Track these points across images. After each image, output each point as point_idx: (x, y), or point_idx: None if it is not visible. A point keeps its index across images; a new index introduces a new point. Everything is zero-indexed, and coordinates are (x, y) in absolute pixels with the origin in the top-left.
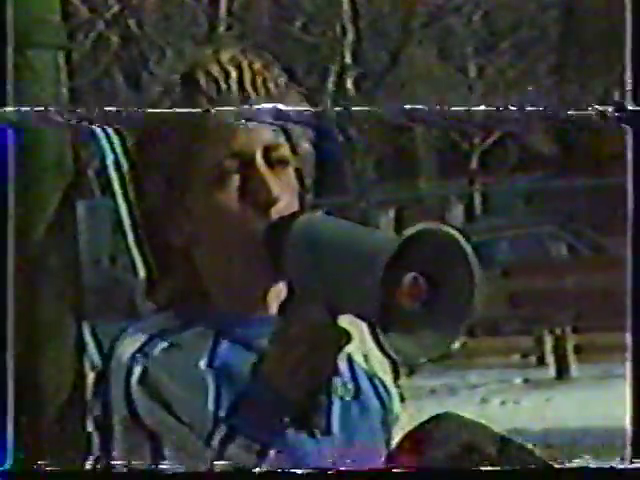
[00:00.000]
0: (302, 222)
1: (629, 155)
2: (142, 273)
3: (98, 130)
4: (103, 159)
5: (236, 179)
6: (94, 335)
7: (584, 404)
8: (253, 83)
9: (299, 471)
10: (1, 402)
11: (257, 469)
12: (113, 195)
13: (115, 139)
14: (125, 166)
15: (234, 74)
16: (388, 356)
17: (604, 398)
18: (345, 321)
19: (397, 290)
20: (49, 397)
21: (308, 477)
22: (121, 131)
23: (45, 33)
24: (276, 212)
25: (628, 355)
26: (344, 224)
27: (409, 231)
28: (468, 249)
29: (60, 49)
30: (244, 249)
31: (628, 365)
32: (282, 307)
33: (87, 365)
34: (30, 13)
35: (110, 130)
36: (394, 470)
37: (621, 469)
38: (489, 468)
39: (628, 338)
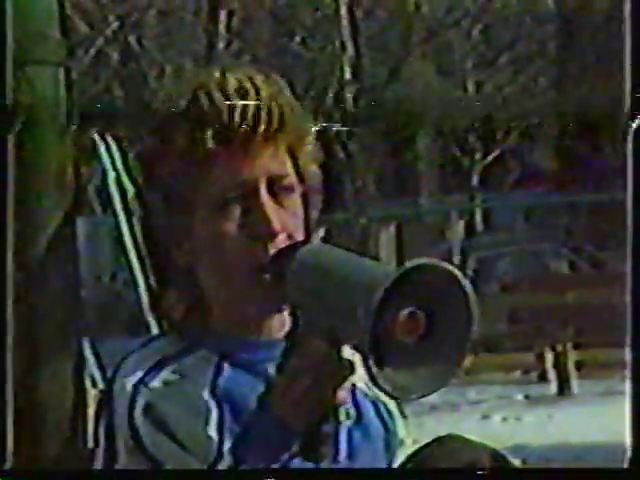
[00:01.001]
0: (304, 252)
1: (629, 169)
2: (143, 289)
3: (101, 147)
4: (104, 176)
5: (238, 209)
6: (94, 351)
7: (586, 420)
8: (259, 115)
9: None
10: (1, 402)
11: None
12: (114, 212)
13: (117, 156)
14: (127, 183)
15: (239, 104)
16: (381, 389)
17: (606, 414)
18: (349, 350)
19: (394, 324)
20: (49, 411)
21: (313, 476)
22: (123, 148)
23: (45, 50)
24: (274, 246)
25: (627, 372)
26: (345, 254)
27: (407, 265)
28: (467, 285)
29: (60, 66)
30: (244, 277)
31: (627, 382)
32: (287, 337)
33: (87, 380)
34: (30, 29)
35: (113, 147)
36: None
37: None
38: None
39: (627, 354)
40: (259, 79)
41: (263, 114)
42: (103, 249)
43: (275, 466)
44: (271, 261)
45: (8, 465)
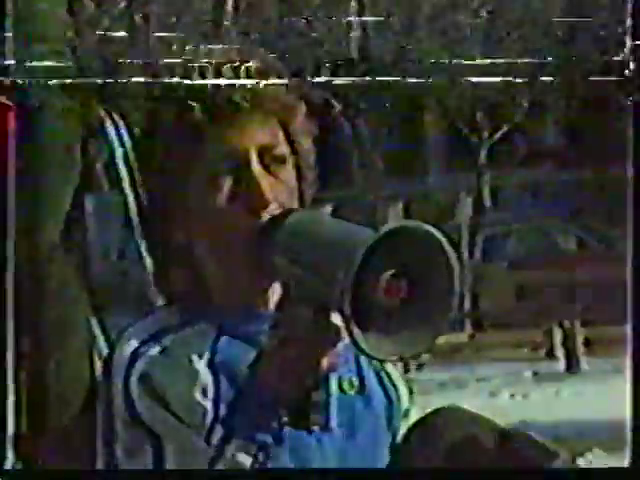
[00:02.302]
0: (291, 221)
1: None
2: (149, 265)
3: (107, 124)
4: (112, 153)
5: (229, 180)
6: (103, 328)
7: (594, 397)
8: (247, 87)
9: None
10: (1, 402)
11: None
12: (122, 189)
13: (124, 133)
14: (133, 160)
15: (228, 75)
16: (361, 350)
17: (614, 391)
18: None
19: (375, 286)
20: (61, 387)
21: (308, 475)
22: (130, 125)
23: (52, 28)
24: (267, 215)
25: (628, 348)
26: (331, 221)
27: (387, 227)
28: (448, 247)
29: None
30: (239, 248)
31: (628, 358)
32: (278, 305)
33: (96, 356)
34: (37, 8)
35: (120, 124)
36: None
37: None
38: (489, 466)
39: (628, 330)
40: (249, 54)
41: (251, 85)
42: (111, 226)
43: (267, 439)
44: (263, 230)
45: (8, 465)
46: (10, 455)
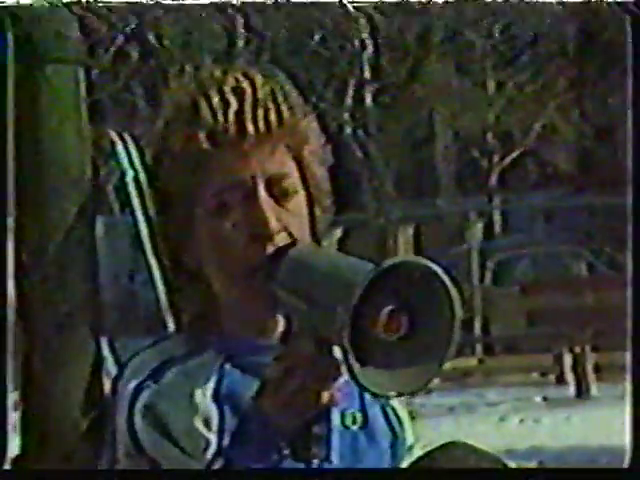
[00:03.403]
0: (294, 253)
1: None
2: (161, 289)
3: (119, 146)
4: (122, 175)
5: (235, 209)
6: (112, 349)
7: (604, 423)
8: (254, 114)
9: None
10: (1, 402)
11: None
12: (132, 211)
13: (135, 155)
14: (144, 182)
15: (234, 104)
16: (360, 386)
17: (623, 417)
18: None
19: (375, 321)
20: (68, 409)
21: (309, 476)
22: (141, 147)
23: (65, 49)
24: (273, 246)
25: (627, 375)
26: (333, 255)
27: (387, 263)
28: (449, 283)
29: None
30: (243, 278)
31: (628, 385)
32: (282, 337)
33: (105, 379)
34: (49, 29)
35: (131, 146)
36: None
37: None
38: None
39: (627, 357)
40: (259, 78)
41: (258, 113)
42: (121, 248)
43: (267, 466)
44: (269, 261)
45: (8, 465)
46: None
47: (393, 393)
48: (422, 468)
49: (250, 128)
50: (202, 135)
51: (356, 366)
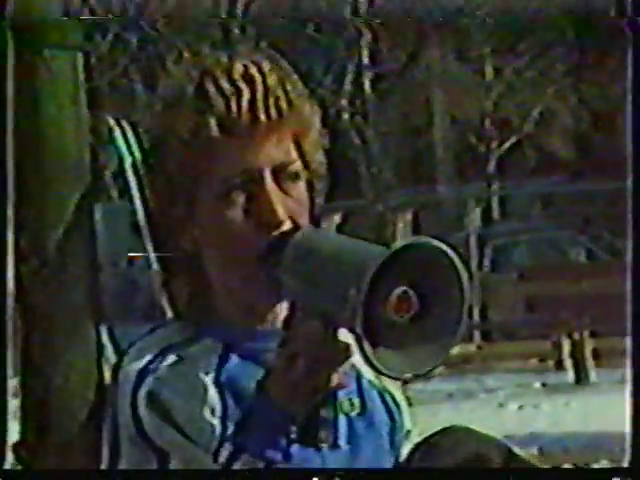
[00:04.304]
0: (298, 237)
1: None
2: (159, 275)
3: (117, 133)
4: (121, 162)
5: (242, 197)
6: (111, 336)
7: (603, 409)
8: (265, 103)
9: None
10: (2, 402)
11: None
12: (131, 198)
13: (133, 142)
14: (143, 169)
15: (246, 92)
16: (375, 369)
17: (623, 403)
18: (345, 333)
19: (386, 303)
20: (67, 398)
21: (309, 475)
22: (139, 134)
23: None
24: (278, 233)
25: (628, 360)
26: (338, 238)
27: (397, 244)
28: (459, 263)
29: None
30: (248, 265)
31: (628, 370)
32: (285, 322)
33: (105, 366)
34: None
35: (129, 133)
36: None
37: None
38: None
39: (628, 342)
40: (266, 65)
41: (269, 101)
42: (120, 235)
43: (276, 457)
44: (273, 248)
45: (8, 465)
46: (10, 458)
47: (409, 375)
48: (422, 468)
49: (262, 117)
50: (212, 122)
51: (369, 349)
